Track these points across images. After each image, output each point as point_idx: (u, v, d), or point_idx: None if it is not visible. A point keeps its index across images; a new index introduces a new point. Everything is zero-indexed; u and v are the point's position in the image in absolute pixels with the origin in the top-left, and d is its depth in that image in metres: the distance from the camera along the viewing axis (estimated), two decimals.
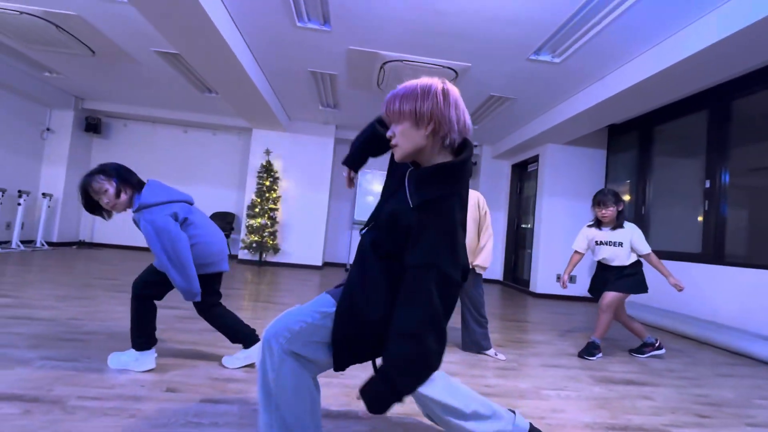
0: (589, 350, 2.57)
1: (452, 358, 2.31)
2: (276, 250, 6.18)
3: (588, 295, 2.88)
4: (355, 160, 1.19)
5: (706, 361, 2.78)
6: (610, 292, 2.60)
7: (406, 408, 1.54)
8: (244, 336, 1.84)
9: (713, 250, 3.69)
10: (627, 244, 2.59)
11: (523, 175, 6.63)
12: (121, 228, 6.74)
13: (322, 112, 5.86)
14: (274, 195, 6.21)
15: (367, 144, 1.18)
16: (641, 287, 2.60)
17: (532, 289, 5.60)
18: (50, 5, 3.36)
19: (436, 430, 1.40)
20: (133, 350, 1.72)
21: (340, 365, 0.96)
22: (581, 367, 2.35)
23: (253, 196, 6.21)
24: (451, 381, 1.18)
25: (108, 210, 1.68)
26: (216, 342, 2.18)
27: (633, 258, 2.62)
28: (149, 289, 1.74)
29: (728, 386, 2.24)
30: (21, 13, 3.46)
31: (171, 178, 6.83)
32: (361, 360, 0.97)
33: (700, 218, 3.92)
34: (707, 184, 3.85)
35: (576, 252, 2.76)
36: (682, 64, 2.97)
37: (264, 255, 6.24)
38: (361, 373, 1.85)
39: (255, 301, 3.47)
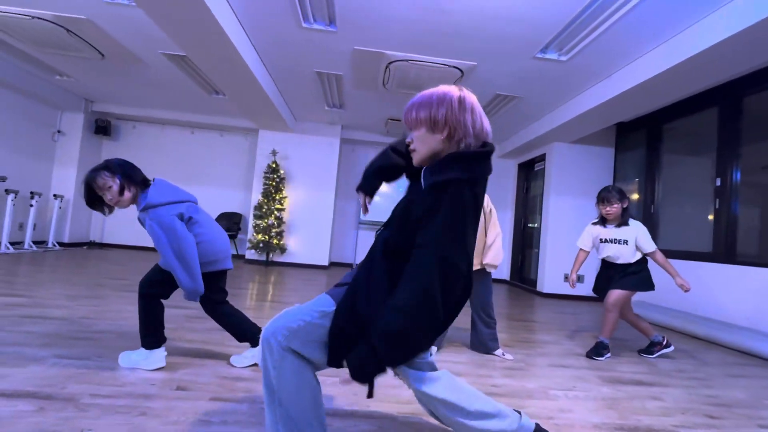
0: (597, 350, 2.55)
1: (459, 358, 2.31)
2: (283, 250, 6.21)
3: (594, 294, 2.85)
4: (369, 186, 1.21)
5: (716, 361, 2.74)
6: (615, 290, 2.57)
7: (412, 408, 1.55)
8: (251, 335, 1.86)
9: (724, 249, 3.64)
10: (632, 241, 2.56)
11: (530, 174, 6.59)
12: (130, 228, 6.83)
13: (327, 112, 5.88)
14: (281, 195, 6.25)
15: (381, 170, 1.20)
16: (647, 284, 2.57)
17: (539, 288, 5.57)
18: (61, 10, 3.42)
19: (442, 429, 1.40)
20: (143, 349, 1.75)
21: (334, 359, 0.98)
22: (589, 368, 2.33)
23: (260, 197, 6.25)
24: (456, 380, 1.18)
25: (110, 206, 1.69)
26: (224, 341, 2.20)
27: (638, 256, 2.59)
28: (155, 288, 1.76)
29: (739, 387, 2.21)
30: (33, 17, 3.53)
31: (179, 179, 6.90)
32: None
33: (710, 217, 3.86)
34: (718, 182, 3.79)
35: (581, 250, 2.73)
36: (692, 61, 2.94)
37: (271, 255, 6.28)
38: None
39: (262, 300, 3.50)
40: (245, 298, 3.49)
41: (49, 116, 6.14)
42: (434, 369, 1.20)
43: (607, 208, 2.57)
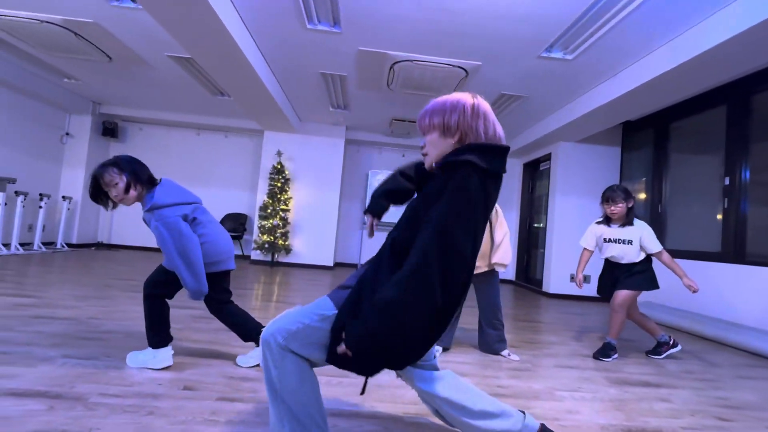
0: (604, 351, 2.53)
1: (466, 358, 2.31)
2: (288, 250, 6.24)
3: (598, 295, 2.82)
4: (378, 208, 1.24)
5: (725, 362, 2.71)
6: (622, 291, 2.54)
7: (417, 408, 1.55)
8: (256, 334, 1.86)
9: (733, 249, 3.60)
10: (636, 242, 2.53)
11: (535, 173, 6.56)
12: (137, 229, 6.88)
13: (332, 113, 5.89)
14: (286, 196, 6.27)
15: (390, 193, 1.23)
16: (653, 284, 2.55)
17: (544, 289, 5.53)
18: (69, 14, 3.46)
19: (447, 430, 1.40)
20: (150, 348, 1.76)
21: (333, 357, 0.97)
22: (596, 369, 2.32)
23: (265, 197, 6.28)
24: (459, 380, 1.19)
25: (114, 201, 1.70)
26: (230, 341, 2.22)
27: (642, 255, 2.56)
28: (159, 289, 1.77)
29: (749, 388, 2.18)
30: (42, 22, 3.57)
31: (185, 180, 6.95)
32: None
33: (719, 216, 3.82)
34: (726, 181, 3.75)
35: (585, 249, 2.70)
36: (700, 59, 2.90)
37: (276, 255, 6.31)
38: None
39: (267, 300, 3.51)
40: (251, 299, 3.51)
41: (58, 119, 6.22)
42: (438, 369, 1.20)
43: (612, 208, 2.54)
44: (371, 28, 3.31)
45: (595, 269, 5.19)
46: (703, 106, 4.10)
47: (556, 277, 5.40)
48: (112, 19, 3.52)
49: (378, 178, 6.87)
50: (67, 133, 6.37)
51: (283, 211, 6.22)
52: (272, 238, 6.11)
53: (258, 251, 6.24)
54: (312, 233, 6.48)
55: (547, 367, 2.28)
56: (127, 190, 1.64)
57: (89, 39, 3.93)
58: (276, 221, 6.15)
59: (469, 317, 3.40)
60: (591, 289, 5.23)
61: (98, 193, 1.67)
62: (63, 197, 6.06)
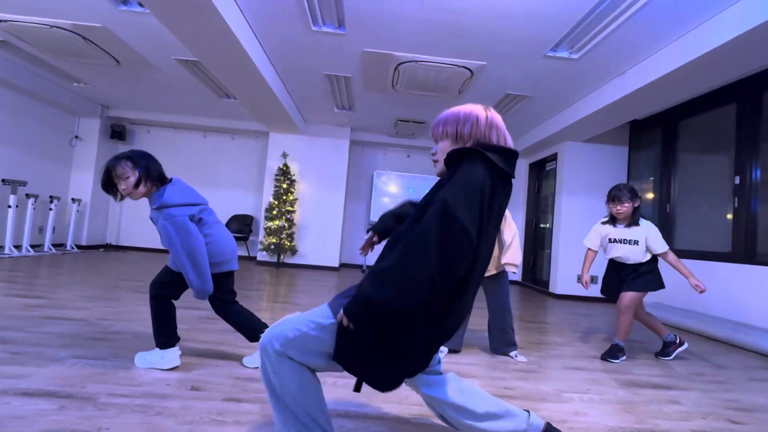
0: (612, 353, 2.51)
1: (472, 359, 2.30)
2: (293, 251, 6.26)
3: (602, 295, 2.79)
4: (382, 228, 1.28)
5: (736, 364, 2.67)
6: (628, 292, 2.51)
7: (424, 410, 1.54)
8: (261, 335, 1.87)
9: (744, 249, 3.54)
10: (642, 242, 2.49)
11: (541, 173, 6.52)
12: (145, 230, 6.95)
13: (337, 114, 5.91)
14: (291, 197, 6.30)
15: (397, 216, 1.28)
16: (659, 284, 2.52)
17: (551, 289, 5.49)
18: (78, 18, 3.51)
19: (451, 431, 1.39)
20: (158, 349, 1.78)
21: (338, 355, 0.98)
22: (604, 370, 2.29)
23: (271, 199, 6.31)
24: (463, 382, 1.18)
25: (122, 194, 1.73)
26: (236, 342, 2.23)
27: (648, 255, 2.53)
28: (165, 290, 1.79)
29: (762, 391, 2.15)
30: (51, 26, 3.63)
31: (192, 181, 7.01)
32: None
33: (729, 216, 3.77)
34: (737, 181, 3.69)
35: (590, 249, 2.67)
36: (708, 57, 2.87)
37: (282, 257, 6.33)
38: None
39: (273, 302, 3.53)
40: (257, 300, 3.52)
41: (67, 122, 6.31)
42: (440, 373, 1.20)
43: (618, 207, 2.51)
44: (376, 29, 3.31)
45: (601, 270, 5.15)
46: (712, 104, 4.05)
47: (563, 278, 5.35)
48: (120, 24, 3.57)
49: (383, 179, 6.87)
50: (77, 136, 6.45)
51: (289, 212, 6.24)
52: (278, 239, 6.14)
53: (264, 252, 6.27)
54: (317, 234, 6.50)
55: (555, 368, 2.26)
56: (137, 185, 1.66)
57: (97, 43, 3.98)
58: (282, 222, 6.18)
59: (475, 318, 3.39)
60: (597, 290, 5.17)
61: (110, 183, 1.70)
62: (72, 199, 6.15)
